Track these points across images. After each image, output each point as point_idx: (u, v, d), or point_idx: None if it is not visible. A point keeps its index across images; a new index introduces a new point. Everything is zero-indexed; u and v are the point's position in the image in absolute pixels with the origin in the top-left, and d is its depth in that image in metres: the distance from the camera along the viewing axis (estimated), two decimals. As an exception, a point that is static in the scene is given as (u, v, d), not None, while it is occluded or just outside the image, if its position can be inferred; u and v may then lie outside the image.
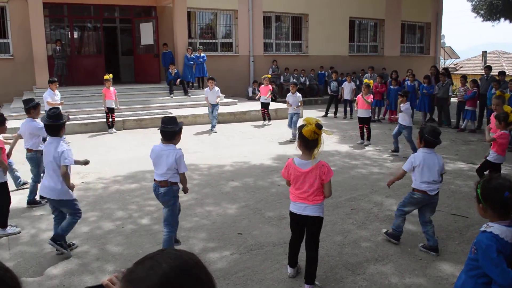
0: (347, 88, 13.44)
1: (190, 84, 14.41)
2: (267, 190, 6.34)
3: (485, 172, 5.98)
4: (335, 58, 19.03)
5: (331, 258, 4.21)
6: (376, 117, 13.18)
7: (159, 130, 4.10)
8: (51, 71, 13.24)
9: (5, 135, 5.72)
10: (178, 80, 13.83)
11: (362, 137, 9.62)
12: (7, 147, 5.45)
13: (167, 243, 4.09)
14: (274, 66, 17.46)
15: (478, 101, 11.73)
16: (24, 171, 6.42)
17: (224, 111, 12.59)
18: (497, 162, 5.86)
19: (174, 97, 13.60)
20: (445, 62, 26.66)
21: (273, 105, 13.14)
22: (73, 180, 4.45)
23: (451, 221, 5.15)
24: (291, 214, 3.68)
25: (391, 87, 12.91)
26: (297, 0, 18.04)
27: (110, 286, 1.12)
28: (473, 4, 22.31)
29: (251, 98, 15.70)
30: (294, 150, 7.67)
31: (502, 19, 21.97)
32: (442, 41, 23.39)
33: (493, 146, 5.88)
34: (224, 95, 13.80)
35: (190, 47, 14.40)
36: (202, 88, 14.46)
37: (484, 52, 25.44)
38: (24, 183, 6.34)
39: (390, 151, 8.77)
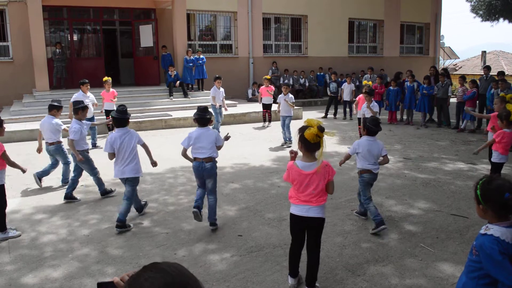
0: (347, 89, 13.48)
1: (190, 86, 14.43)
2: (267, 191, 6.34)
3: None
4: (335, 59, 19.04)
5: (331, 260, 4.21)
6: (375, 117, 13.16)
7: (194, 118, 4.96)
8: (51, 74, 13.26)
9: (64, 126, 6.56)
10: (178, 82, 13.85)
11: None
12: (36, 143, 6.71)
13: (212, 208, 4.96)
14: (273, 68, 17.47)
15: (477, 101, 11.76)
16: (38, 166, 7.07)
17: (223, 113, 12.57)
18: (501, 162, 5.87)
19: (173, 99, 13.61)
20: (444, 63, 26.65)
21: (273, 107, 13.11)
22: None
23: (451, 222, 5.16)
24: (293, 216, 3.61)
25: (391, 88, 12.92)
26: (296, 1, 18.07)
27: (120, 284, 1.15)
28: (472, 5, 22.35)
29: (251, 100, 15.72)
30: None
31: (501, 19, 22.00)
32: (441, 41, 23.40)
33: (495, 147, 5.87)
34: (224, 95, 13.79)
35: (189, 49, 14.43)
36: (202, 90, 14.50)
37: (484, 52, 25.47)
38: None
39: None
